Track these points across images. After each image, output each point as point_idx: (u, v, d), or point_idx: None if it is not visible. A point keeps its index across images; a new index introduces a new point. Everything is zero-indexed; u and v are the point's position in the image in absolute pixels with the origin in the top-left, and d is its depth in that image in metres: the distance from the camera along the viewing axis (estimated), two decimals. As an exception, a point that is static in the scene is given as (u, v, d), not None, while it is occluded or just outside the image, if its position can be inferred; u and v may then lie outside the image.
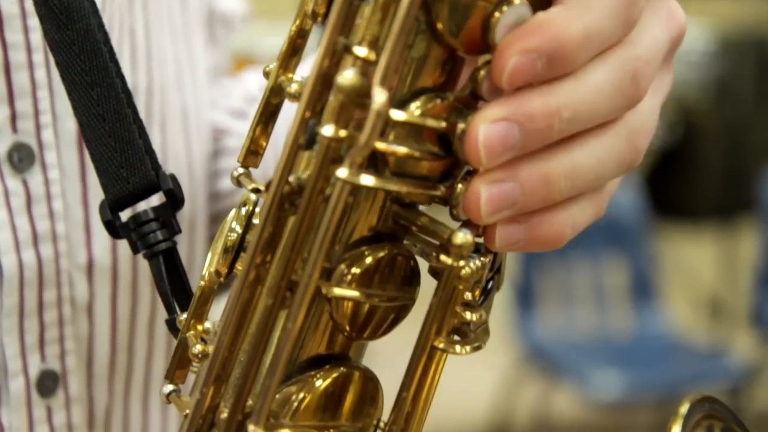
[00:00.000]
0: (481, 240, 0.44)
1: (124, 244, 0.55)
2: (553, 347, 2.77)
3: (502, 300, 3.06)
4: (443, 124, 0.41)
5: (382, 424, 0.44)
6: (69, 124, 0.56)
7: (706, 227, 3.92)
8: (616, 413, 2.72)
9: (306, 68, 0.42)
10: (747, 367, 2.81)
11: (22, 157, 0.55)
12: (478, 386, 2.95)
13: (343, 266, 0.42)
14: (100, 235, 0.58)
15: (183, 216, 0.62)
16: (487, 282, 0.46)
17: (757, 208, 3.10)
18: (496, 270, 0.47)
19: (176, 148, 0.63)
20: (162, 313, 0.48)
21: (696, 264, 3.62)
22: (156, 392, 0.62)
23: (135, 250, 0.48)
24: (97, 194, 0.53)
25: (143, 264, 0.50)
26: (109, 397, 0.61)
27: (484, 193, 0.39)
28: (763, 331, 2.92)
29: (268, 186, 0.42)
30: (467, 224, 0.42)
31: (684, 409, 0.42)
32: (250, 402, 0.42)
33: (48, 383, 0.57)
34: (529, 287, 2.81)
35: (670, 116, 4.13)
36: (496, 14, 0.40)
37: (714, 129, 4.37)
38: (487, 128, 0.38)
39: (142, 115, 0.51)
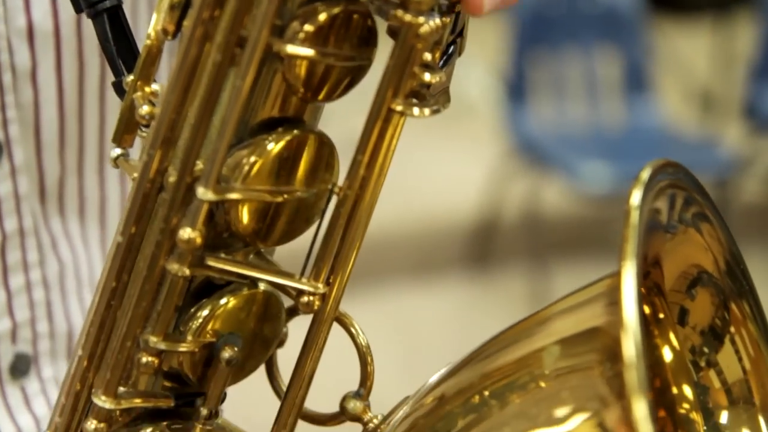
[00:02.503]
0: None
1: (66, 8, 0.53)
2: (543, 140, 2.76)
3: (492, 92, 3.04)
4: None
5: (337, 189, 0.43)
6: None
7: (703, 19, 3.86)
8: (606, 205, 2.74)
9: None
10: (737, 159, 2.81)
11: None
12: (467, 180, 2.96)
13: (296, 23, 0.40)
14: None
15: None
16: (449, 45, 0.44)
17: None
18: (458, 33, 0.45)
19: None
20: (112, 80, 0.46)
21: (690, 56, 3.58)
22: None
23: (77, 9, 0.46)
24: None
25: (88, 28, 0.47)
26: (60, 169, 0.59)
27: None
28: (755, 123, 2.91)
29: (214, -65, 0.39)
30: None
31: (645, 174, 0.41)
32: (200, 166, 0.41)
33: None
34: (520, 79, 2.78)
35: None
36: None
37: None
38: None
39: None
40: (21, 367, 0.59)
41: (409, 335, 2.47)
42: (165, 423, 0.44)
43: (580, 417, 0.39)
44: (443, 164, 3.01)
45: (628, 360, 0.35)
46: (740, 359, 0.46)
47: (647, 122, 2.83)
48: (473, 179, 2.93)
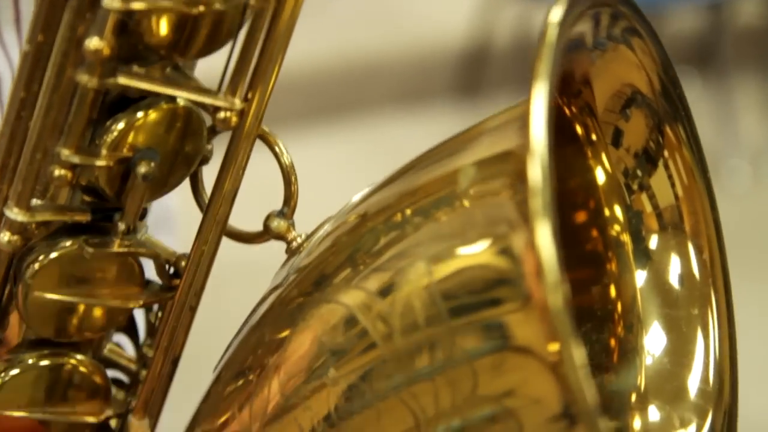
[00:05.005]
0: None
1: None
2: (537, -34, 2.70)
3: None
4: None
5: (253, 0, 0.41)
6: None
7: None
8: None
9: None
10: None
11: None
12: (456, 5, 2.90)
13: None
14: None
15: None
16: None
17: None
18: None
19: None
20: None
21: None
22: None
23: None
24: None
25: None
26: None
27: None
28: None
29: None
30: None
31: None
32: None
33: None
34: None
35: None
36: None
37: None
38: None
39: None
40: None
41: (394, 164, 2.47)
42: (83, 237, 0.44)
43: (490, 240, 0.38)
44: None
45: (532, 185, 0.35)
46: (673, 185, 0.45)
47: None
48: (463, 4, 2.88)
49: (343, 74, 2.61)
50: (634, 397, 0.44)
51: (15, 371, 0.47)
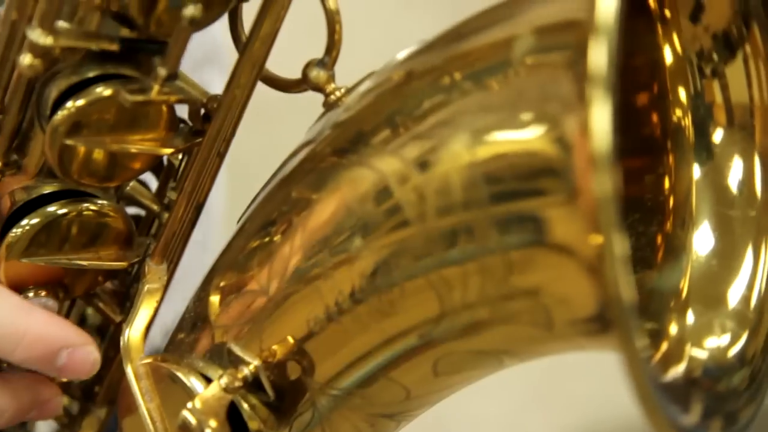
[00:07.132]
0: None
1: None
2: None
3: None
4: None
5: None
6: None
7: None
8: None
9: None
10: None
11: None
12: None
13: None
14: None
15: None
16: None
17: None
18: None
19: None
20: None
21: None
22: None
23: None
24: None
25: None
26: None
27: None
28: None
29: None
30: None
31: None
32: None
33: None
34: None
35: None
36: None
37: None
38: None
39: None
40: None
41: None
42: (120, 82, 0.41)
43: (542, 120, 0.35)
44: None
45: (593, 70, 0.31)
46: (750, 85, 0.41)
47: None
48: None
49: None
50: (674, 300, 0.41)
51: (36, 220, 0.45)
